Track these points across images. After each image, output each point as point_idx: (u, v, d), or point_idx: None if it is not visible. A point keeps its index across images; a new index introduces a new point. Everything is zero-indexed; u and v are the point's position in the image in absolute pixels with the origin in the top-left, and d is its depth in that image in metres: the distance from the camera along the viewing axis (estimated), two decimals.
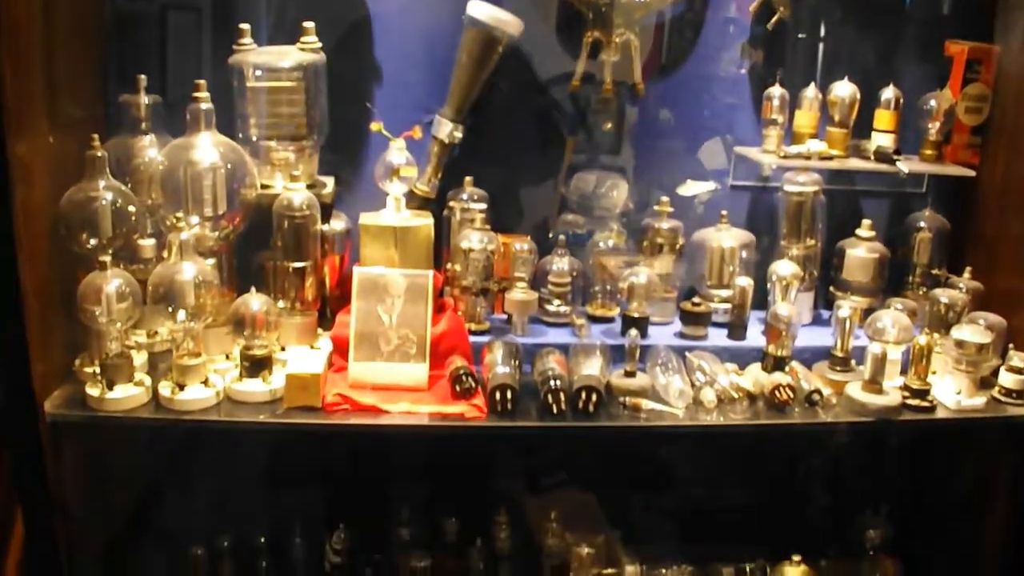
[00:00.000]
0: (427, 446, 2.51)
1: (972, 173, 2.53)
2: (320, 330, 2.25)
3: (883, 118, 2.49)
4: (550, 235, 2.51)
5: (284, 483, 2.53)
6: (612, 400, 2.15)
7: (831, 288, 2.55)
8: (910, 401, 2.20)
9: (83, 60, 2.20)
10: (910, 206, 2.66)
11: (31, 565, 2.07)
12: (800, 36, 2.58)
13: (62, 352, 2.06)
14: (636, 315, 2.34)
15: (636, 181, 2.57)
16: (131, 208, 2.06)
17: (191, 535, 2.43)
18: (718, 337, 2.43)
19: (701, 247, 2.50)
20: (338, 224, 2.34)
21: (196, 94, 2.06)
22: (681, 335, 2.43)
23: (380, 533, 2.50)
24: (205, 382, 2.02)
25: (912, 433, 2.63)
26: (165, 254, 2.05)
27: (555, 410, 2.07)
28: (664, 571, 2.55)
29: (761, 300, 2.44)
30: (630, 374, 2.19)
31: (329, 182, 2.32)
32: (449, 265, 2.37)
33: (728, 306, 2.45)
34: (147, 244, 2.13)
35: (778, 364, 2.27)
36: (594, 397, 2.09)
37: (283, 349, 2.16)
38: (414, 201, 2.34)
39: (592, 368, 2.15)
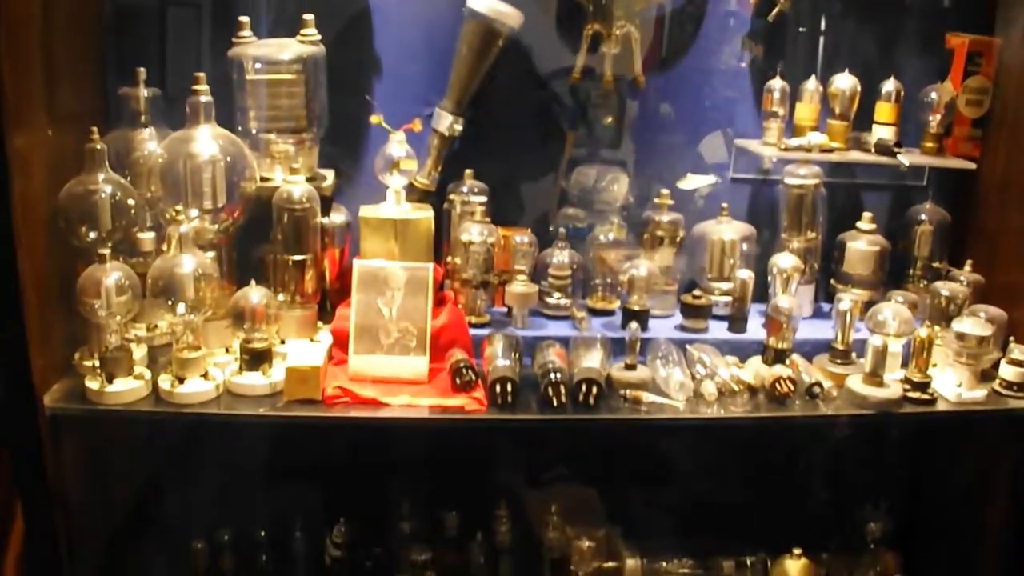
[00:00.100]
0: (427, 439, 2.51)
1: (973, 166, 2.53)
2: (320, 323, 2.26)
3: (884, 111, 2.49)
4: (550, 228, 2.51)
5: (284, 477, 2.52)
6: (612, 393, 2.15)
7: (832, 281, 2.55)
8: (911, 394, 2.20)
9: (82, 53, 2.20)
10: (911, 199, 2.66)
11: (31, 559, 2.07)
12: (801, 29, 2.57)
13: (61, 346, 2.06)
14: (636, 308, 2.34)
15: (636, 174, 2.57)
16: (130, 201, 2.06)
17: (191, 529, 2.43)
18: (719, 330, 2.43)
19: (702, 240, 2.50)
20: (338, 217, 2.35)
21: (196, 87, 2.06)
22: (682, 328, 2.43)
23: (380, 527, 2.50)
24: (205, 375, 2.02)
25: (913, 426, 2.63)
26: (165, 247, 2.04)
27: (555, 403, 2.07)
28: (664, 564, 2.55)
29: (762, 293, 2.44)
30: (630, 367, 2.18)
31: (329, 175, 2.32)
32: (449, 258, 2.37)
33: (729, 299, 2.45)
34: (147, 237, 2.12)
35: (779, 357, 2.26)
36: (594, 390, 2.08)
37: (283, 342, 2.15)
38: (414, 194, 2.34)
39: (592, 361, 2.14)
